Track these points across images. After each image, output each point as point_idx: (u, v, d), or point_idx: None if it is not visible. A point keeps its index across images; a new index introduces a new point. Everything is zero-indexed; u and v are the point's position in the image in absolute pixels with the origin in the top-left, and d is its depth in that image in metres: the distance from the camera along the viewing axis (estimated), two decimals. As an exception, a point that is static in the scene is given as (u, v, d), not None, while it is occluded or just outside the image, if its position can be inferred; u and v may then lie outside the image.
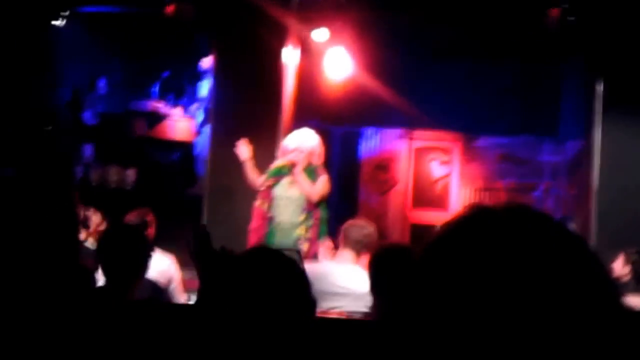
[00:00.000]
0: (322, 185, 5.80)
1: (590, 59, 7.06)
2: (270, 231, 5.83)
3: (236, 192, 7.09)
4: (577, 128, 7.79)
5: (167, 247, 5.05)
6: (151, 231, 5.15)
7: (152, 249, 3.46)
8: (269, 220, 5.86)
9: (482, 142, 9.16)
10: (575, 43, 7.07)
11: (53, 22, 8.77)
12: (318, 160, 5.90)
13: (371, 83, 8.01)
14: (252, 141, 7.16)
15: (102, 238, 3.53)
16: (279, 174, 5.91)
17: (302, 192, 5.80)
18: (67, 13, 8.81)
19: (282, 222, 5.82)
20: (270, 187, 5.91)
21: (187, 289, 5.08)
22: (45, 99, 9.38)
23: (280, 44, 7.28)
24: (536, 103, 8.41)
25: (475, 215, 0.98)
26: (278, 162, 6.01)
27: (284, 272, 1.71)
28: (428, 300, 0.93)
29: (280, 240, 5.72)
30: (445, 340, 0.91)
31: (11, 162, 8.47)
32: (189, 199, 8.27)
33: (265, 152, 7.02)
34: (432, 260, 0.96)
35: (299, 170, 5.77)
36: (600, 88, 6.85)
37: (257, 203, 5.95)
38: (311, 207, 5.79)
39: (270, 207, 5.86)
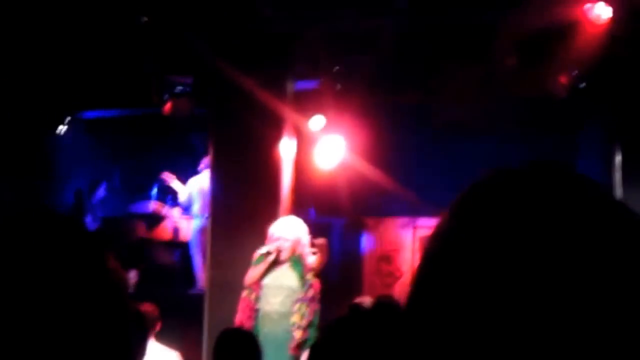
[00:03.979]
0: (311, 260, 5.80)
1: (606, 127, 6.92)
2: (258, 323, 5.69)
3: (238, 288, 6.94)
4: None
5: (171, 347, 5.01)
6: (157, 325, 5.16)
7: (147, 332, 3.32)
8: (256, 311, 5.73)
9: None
10: (588, 111, 6.98)
11: (55, 129, 8.91)
12: (305, 250, 5.84)
13: (370, 171, 7.95)
14: (251, 235, 7.12)
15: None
16: (262, 262, 5.86)
17: (291, 281, 5.72)
18: (68, 119, 8.96)
19: (270, 312, 5.69)
20: (260, 277, 5.82)
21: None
22: (48, 204, 9.38)
23: (277, 135, 7.28)
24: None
25: (497, 179, 0.80)
26: (262, 250, 5.93)
27: None
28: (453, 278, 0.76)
29: (269, 330, 5.60)
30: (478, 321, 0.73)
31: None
32: (191, 298, 8.13)
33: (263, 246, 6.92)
34: (451, 237, 0.78)
35: (283, 257, 5.75)
36: (618, 158, 6.69)
37: (245, 293, 5.86)
38: (306, 298, 5.70)
39: (257, 297, 5.75)
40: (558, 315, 0.70)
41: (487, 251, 0.74)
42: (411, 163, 8.27)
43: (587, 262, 0.72)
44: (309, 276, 5.82)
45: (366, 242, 9.20)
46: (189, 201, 8.95)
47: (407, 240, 9.12)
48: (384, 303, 3.64)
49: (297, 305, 5.68)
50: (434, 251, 0.79)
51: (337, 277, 6.09)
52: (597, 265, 0.72)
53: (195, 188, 8.67)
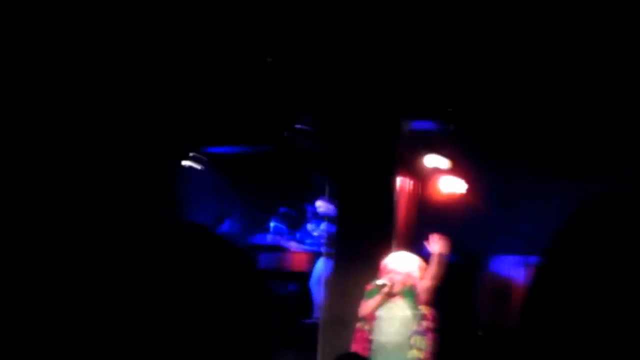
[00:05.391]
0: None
1: None
2: (372, 354, 5.82)
3: (353, 319, 7.14)
4: None
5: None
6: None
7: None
8: (370, 342, 5.87)
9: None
10: None
11: (182, 162, 9.41)
12: (418, 282, 5.96)
13: (486, 208, 8.02)
14: (368, 268, 7.32)
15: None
16: (376, 294, 6.01)
17: (404, 311, 5.84)
18: (194, 154, 9.45)
19: (386, 343, 5.82)
20: (375, 309, 5.98)
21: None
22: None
23: (393, 173, 7.49)
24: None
25: (595, 206, 0.82)
26: (377, 282, 6.10)
27: None
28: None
29: None
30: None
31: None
32: (304, 328, 8.37)
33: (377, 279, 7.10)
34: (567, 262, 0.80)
35: (395, 291, 5.88)
36: None
37: (359, 324, 6.02)
38: (423, 328, 5.82)
39: (372, 328, 5.89)
40: None
41: (587, 273, 0.77)
42: (528, 201, 8.26)
43: None
44: (422, 307, 5.95)
45: (480, 279, 9.21)
46: (308, 235, 9.30)
47: (521, 278, 9.06)
48: (496, 327, 3.75)
49: (413, 338, 5.79)
50: (543, 273, 0.83)
51: (451, 314, 6.19)
52: None
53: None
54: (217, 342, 0.98)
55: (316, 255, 9.24)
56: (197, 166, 9.48)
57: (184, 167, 9.60)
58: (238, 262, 1.08)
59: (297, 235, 9.98)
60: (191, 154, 9.52)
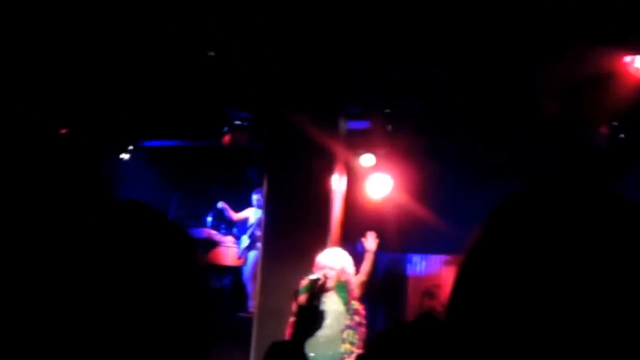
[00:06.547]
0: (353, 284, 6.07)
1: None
2: (306, 348, 5.92)
3: (286, 314, 7.26)
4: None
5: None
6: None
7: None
8: None
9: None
10: (627, 162, 7.13)
11: (120, 156, 9.37)
12: (351, 278, 6.14)
13: (416, 208, 8.26)
14: (301, 264, 7.46)
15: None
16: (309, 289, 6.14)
17: (337, 306, 6.00)
18: (131, 147, 9.42)
19: (319, 337, 5.92)
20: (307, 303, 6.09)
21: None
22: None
23: (328, 171, 7.64)
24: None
25: (525, 196, 0.84)
26: (311, 277, 6.22)
27: None
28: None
29: (318, 354, 5.86)
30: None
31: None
32: (239, 321, 8.46)
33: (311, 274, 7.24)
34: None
35: (329, 285, 6.02)
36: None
37: (291, 320, 6.12)
38: (354, 323, 5.97)
39: None
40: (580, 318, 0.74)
41: (513, 259, 0.78)
42: (456, 202, 8.52)
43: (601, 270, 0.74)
44: (354, 302, 6.12)
45: (410, 276, 9.45)
46: (244, 229, 9.40)
47: (450, 276, 9.32)
48: (426, 316, 3.90)
49: (345, 332, 5.94)
50: (470, 261, 0.84)
51: (382, 309, 6.37)
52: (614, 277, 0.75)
53: (255, 219, 9.12)
54: (157, 328, 0.96)
55: (250, 250, 9.34)
56: (127, 158, 9.43)
57: (121, 161, 9.56)
58: (182, 249, 1.05)
59: (233, 230, 10.07)
60: (129, 148, 9.48)
